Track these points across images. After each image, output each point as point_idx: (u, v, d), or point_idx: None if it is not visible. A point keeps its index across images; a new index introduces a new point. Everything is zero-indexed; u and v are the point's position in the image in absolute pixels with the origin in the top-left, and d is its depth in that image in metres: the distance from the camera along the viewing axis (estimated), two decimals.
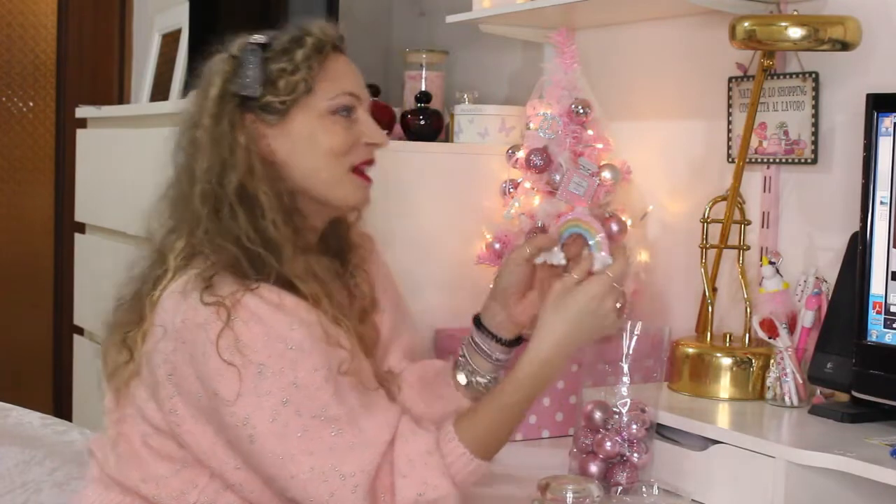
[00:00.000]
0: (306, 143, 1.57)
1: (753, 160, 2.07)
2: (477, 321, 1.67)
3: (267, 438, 1.43)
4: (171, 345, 1.48)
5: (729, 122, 2.12)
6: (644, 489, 1.68)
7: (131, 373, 1.54)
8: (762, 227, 2.07)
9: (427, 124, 2.58)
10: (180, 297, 1.48)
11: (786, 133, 2.02)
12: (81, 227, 3.30)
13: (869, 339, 1.71)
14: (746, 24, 1.82)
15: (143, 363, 1.53)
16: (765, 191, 2.07)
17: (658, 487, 1.68)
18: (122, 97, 4.21)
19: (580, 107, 2.21)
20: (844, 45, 1.81)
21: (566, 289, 1.50)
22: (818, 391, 1.85)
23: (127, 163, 2.76)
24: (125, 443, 1.56)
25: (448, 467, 1.46)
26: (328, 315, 1.50)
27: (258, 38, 1.58)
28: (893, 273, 1.69)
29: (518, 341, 1.65)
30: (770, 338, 1.86)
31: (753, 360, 1.89)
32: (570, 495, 1.52)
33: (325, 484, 1.42)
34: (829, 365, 1.79)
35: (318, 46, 1.59)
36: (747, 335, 1.93)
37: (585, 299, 1.49)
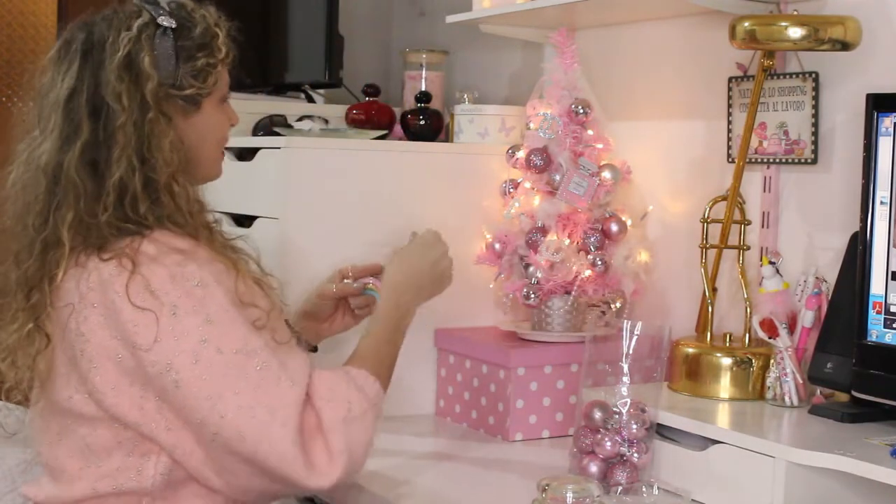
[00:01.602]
0: (208, 131, 1.64)
1: (753, 160, 2.07)
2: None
3: (192, 382, 1.44)
4: (81, 315, 1.49)
5: (729, 122, 2.12)
6: (644, 489, 1.68)
7: (51, 356, 1.53)
8: (762, 227, 2.07)
9: (427, 124, 2.58)
10: (79, 269, 1.50)
11: (786, 133, 2.02)
12: None
13: (869, 339, 1.71)
14: (746, 24, 1.82)
15: (56, 354, 1.52)
16: (765, 191, 2.07)
17: (658, 487, 1.68)
18: None
19: (580, 107, 2.21)
20: (844, 45, 1.81)
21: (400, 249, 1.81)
22: (818, 391, 1.85)
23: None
24: (69, 466, 1.55)
25: (363, 389, 1.55)
26: (248, 276, 1.55)
27: (167, 21, 1.59)
28: (893, 273, 1.69)
29: (316, 348, 1.94)
30: (770, 338, 1.86)
31: (753, 360, 1.89)
32: (570, 495, 1.52)
33: (253, 420, 1.43)
34: (829, 365, 1.79)
35: (225, 40, 1.64)
36: (747, 335, 1.93)
37: (417, 250, 1.81)
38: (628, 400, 1.76)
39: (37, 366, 1.53)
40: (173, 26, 1.58)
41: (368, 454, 1.53)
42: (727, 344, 1.93)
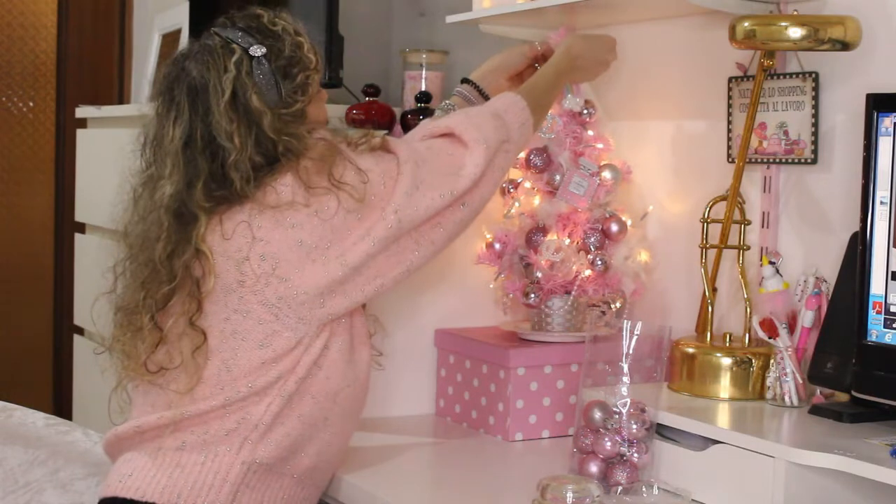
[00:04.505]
0: (314, 122, 1.76)
1: (753, 160, 2.07)
2: (467, 80, 2.18)
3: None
4: (259, 232, 1.61)
5: (729, 122, 2.12)
6: (644, 489, 1.68)
7: (199, 343, 1.63)
8: (762, 227, 2.07)
9: None
10: (236, 211, 1.63)
11: (786, 133, 2.02)
12: (81, 227, 3.30)
13: (869, 339, 1.71)
14: (746, 24, 1.82)
15: (238, 303, 1.63)
16: (765, 191, 2.07)
17: (658, 487, 1.68)
18: (122, 97, 4.21)
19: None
20: (844, 45, 1.81)
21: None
22: (818, 391, 1.85)
23: (127, 163, 2.75)
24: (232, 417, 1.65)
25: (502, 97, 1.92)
26: None
27: (259, 50, 1.68)
28: (893, 273, 1.69)
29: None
30: (770, 338, 1.86)
31: (753, 360, 1.89)
32: (570, 495, 1.52)
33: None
34: (829, 365, 1.79)
35: (311, 46, 1.74)
36: (747, 335, 1.94)
37: (591, 37, 2.16)
38: (628, 400, 1.77)
39: (195, 360, 1.63)
40: (264, 52, 1.67)
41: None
42: (727, 344, 1.93)
